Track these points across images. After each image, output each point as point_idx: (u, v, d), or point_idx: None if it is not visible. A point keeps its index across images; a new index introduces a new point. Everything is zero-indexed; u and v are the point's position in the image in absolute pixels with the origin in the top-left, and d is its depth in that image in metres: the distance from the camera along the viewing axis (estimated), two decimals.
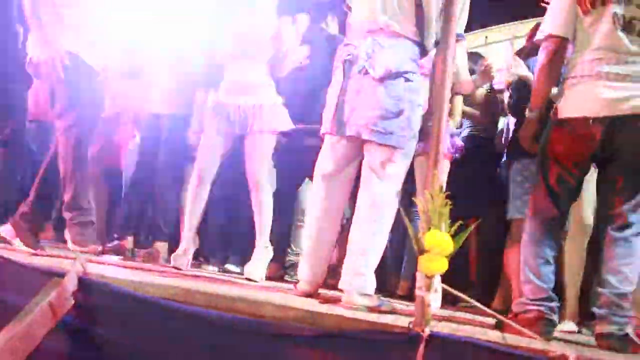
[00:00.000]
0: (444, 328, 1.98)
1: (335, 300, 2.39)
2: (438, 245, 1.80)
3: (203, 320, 1.90)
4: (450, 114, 3.59)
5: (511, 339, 1.99)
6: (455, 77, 3.30)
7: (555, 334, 2.55)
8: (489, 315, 2.69)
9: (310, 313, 1.90)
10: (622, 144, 2.20)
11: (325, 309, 2.02)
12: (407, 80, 2.38)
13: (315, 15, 3.93)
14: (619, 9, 2.22)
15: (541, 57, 2.30)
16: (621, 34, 2.22)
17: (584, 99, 2.24)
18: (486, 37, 7.39)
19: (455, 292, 1.99)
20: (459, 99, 3.67)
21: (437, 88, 1.97)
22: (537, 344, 1.94)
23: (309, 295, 2.52)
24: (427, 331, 1.74)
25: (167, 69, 3.67)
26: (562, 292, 3.00)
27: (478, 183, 3.80)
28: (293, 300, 2.10)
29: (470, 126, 3.99)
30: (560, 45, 2.29)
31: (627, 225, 2.22)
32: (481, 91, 3.94)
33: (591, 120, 2.21)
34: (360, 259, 2.35)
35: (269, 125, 3.23)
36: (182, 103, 3.67)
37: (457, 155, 3.31)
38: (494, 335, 2.02)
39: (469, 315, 2.94)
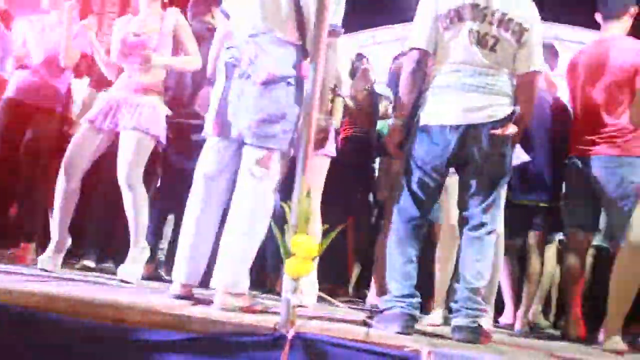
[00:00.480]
0: (311, 328, 2.04)
1: (209, 302, 2.39)
2: (304, 248, 1.87)
3: (64, 329, 1.83)
4: (331, 114, 3.69)
5: (374, 335, 2.10)
6: (336, 79, 3.38)
7: (423, 327, 2.73)
8: (363, 310, 2.83)
9: (178, 317, 1.89)
10: (474, 150, 2.38)
11: (193, 311, 2.01)
12: (289, 84, 2.41)
13: (199, 8, 3.86)
14: (474, 26, 2.40)
15: (405, 68, 2.44)
16: (476, 49, 2.40)
17: (443, 107, 2.41)
18: (373, 36, 7.63)
19: (324, 295, 2.06)
20: (339, 100, 3.77)
21: (308, 92, 2.02)
22: (398, 339, 2.06)
23: (182, 297, 2.50)
24: (292, 332, 1.80)
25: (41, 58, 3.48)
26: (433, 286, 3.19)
27: (356, 183, 3.94)
28: (162, 304, 2.07)
29: (350, 127, 4.10)
30: (422, 57, 2.44)
31: (481, 225, 2.41)
32: (363, 92, 4.06)
33: (448, 128, 2.37)
34: (232, 258, 2.36)
35: (144, 124, 3.15)
36: (51, 94, 3.48)
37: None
38: (360, 332, 2.11)
39: (343, 312, 3.04)
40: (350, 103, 3.98)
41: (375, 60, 4.70)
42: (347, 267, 4.27)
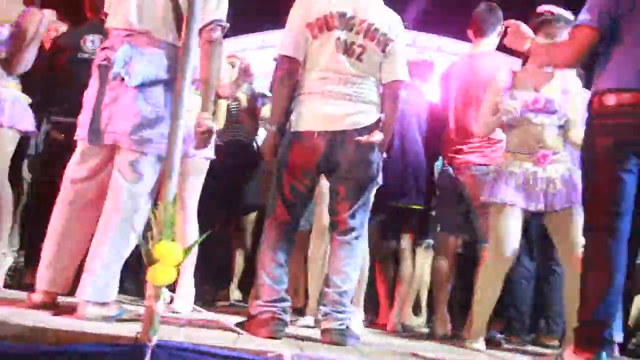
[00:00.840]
0: (177, 336, 2.02)
1: (73, 311, 2.28)
2: (168, 255, 1.83)
3: None
4: (215, 117, 3.64)
5: (243, 341, 2.10)
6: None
7: (297, 330, 2.77)
8: (245, 314, 2.81)
9: (31, 329, 1.80)
10: (341, 156, 2.44)
11: (51, 323, 1.92)
12: (167, 86, 2.35)
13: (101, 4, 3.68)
14: (341, 35, 2.47)
15: (275, 74, 2.48)
16: (343, 57, 2.47)
17: (311, 114, 2.46)
18: (263, 40, 7.63)
19: (192, 305, 2.04)
20: (222, 103, 3.74)
21: (174, 94, 1.98)
22: (266, 344, 2.08)
23: (44, 305, 2.37)
24: (154, 341, 1.76)
25: None
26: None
27: (239, 187, 3.93)
28: (15, 315, 1.96)
29: (233, 130, 4.06)
30: (291, 64, 2.48)
31: (349, 230, 2.48)
32: (244, 95, 4.04)
33: (316, 134, 2.43)
34: (97, 264, 2.27)
35: (8, 121, 2.96)
36: None
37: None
38: (229, 339, 2.11)
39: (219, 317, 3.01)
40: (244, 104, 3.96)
41: (264, 64, 4.70)
42: (230, 271, 4.23)
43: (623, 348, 3.40)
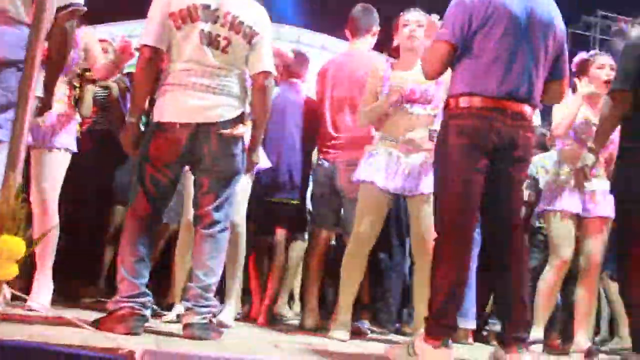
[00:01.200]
0: (21, 334, 1.91)
1: None
2: (9, 250, 1.73)
3: None
4: (78, 104, 3.46)
5: (95, 338, 2.02)
6: (91, 62, 3.14)
7: (161, 325, 2.71)
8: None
9: None
10: (205, 149, 2.42)
11: None
12: (20, 70, 2.19)
13: None
14: (205, 27, 2.43)
15: (137, 64, 2.42)
16: (207, 49, 2.43)
17: (174, 105, 2.41)
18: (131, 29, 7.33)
19: (19, 294, 1.94)
20: (89, 89, 3.55)
21: (23, 78, 1.86)
22: (119, 341, 2.02)
23: None
24: None
25: None
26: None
27: (106, 177, 3.78)
28: None
29: (101, 119, 3.88)
30: (153, 54, 2.42)
31: (213, 223, 2.46)
32: (115, 84, 3.87)
33: (178, 125, 2.39)
34: None
35: None
36: None
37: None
38: (80, 336, 2.02)
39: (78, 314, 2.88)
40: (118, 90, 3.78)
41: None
42: (100, 266, 4.05)
43: (477, 335, 3.64)
